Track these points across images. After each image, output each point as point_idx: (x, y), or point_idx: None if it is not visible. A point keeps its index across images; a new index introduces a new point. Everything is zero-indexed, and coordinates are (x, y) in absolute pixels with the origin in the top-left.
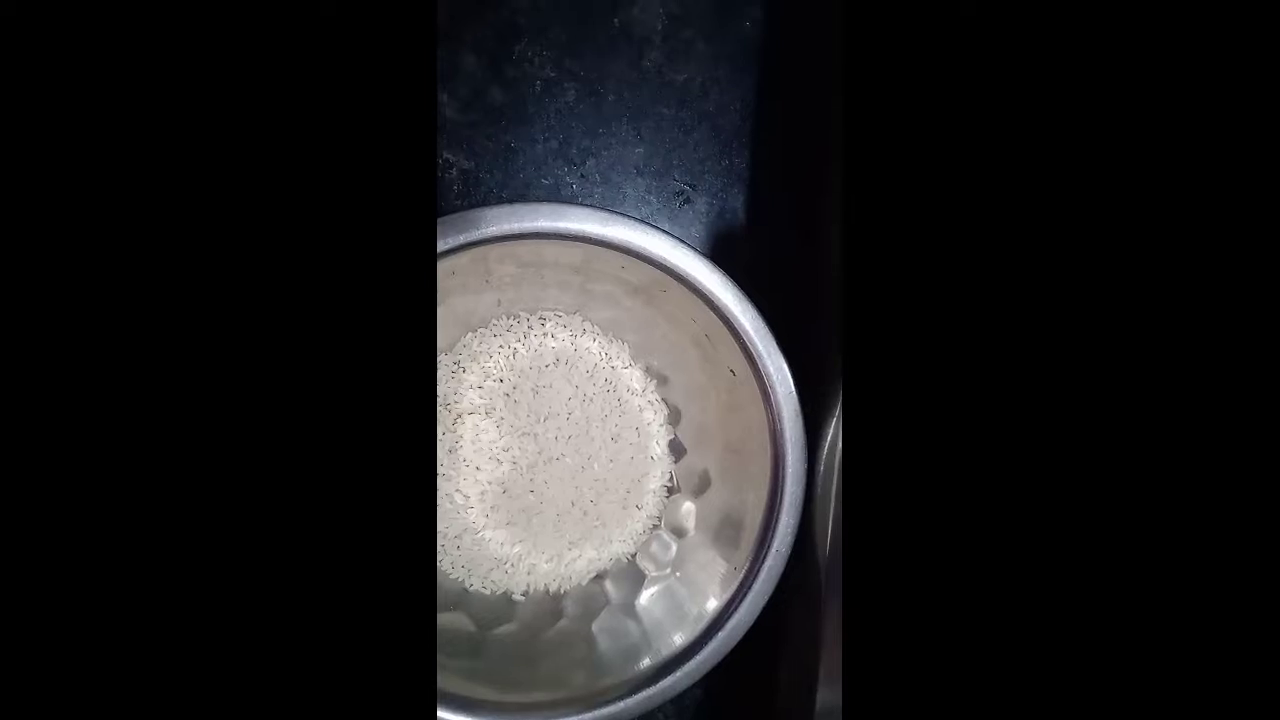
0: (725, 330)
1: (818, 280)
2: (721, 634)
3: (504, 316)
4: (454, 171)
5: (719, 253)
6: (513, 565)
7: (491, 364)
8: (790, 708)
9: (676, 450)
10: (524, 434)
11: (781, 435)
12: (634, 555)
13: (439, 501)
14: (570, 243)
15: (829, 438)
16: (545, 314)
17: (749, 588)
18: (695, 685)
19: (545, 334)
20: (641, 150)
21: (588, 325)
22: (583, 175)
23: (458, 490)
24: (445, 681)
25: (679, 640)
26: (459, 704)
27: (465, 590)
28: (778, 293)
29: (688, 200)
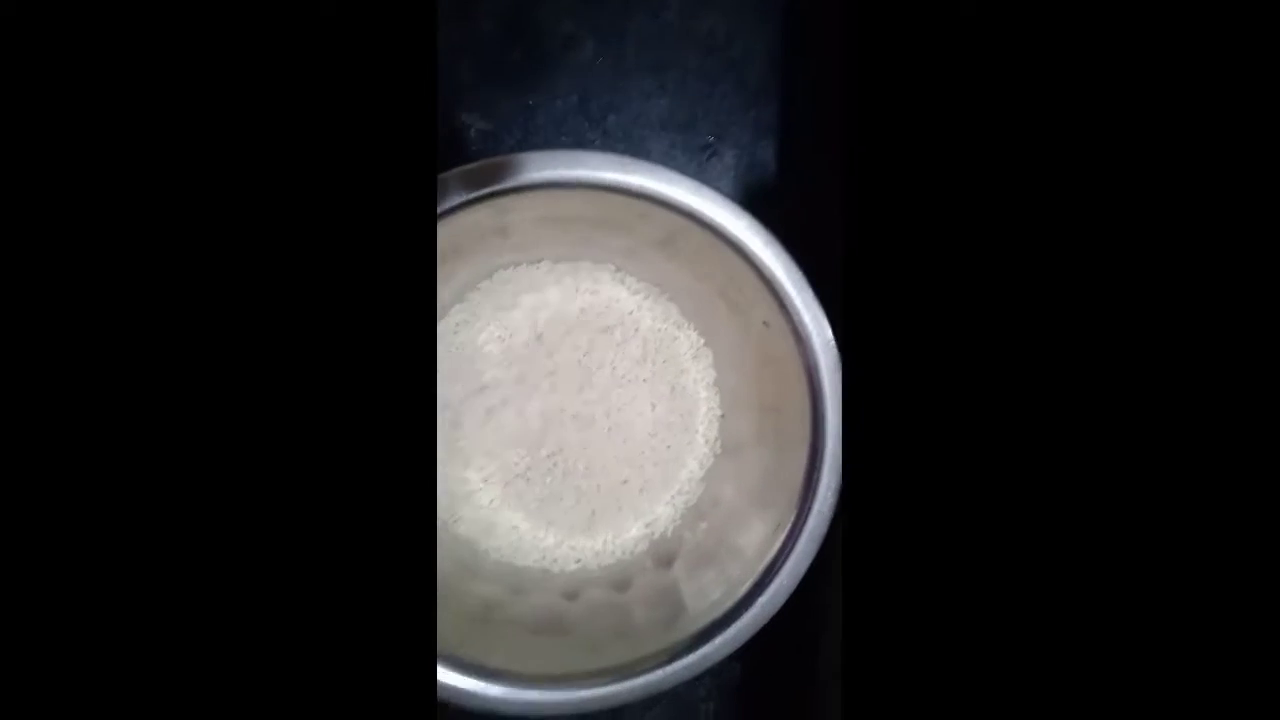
0: (756, 279)
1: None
2: (762, 599)
3: (525, 264)
4: (472, 132)
5: (750, 207)
6: (543, 537)
7: (514, 316)
8: (829, 687)
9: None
10: (555, 393)
11: (820, 389)
12: (676, 524)
13: (463, 474)
14: (587, 192)
15: None
16: (579, 263)
17: (790, 550)
18: (734, 659)
19: (580, 288)
20: (665, 103)
21: (626, 277)
22: (605, 131)
23: (488, 459)
24: (474, 651)
25: (721, 607)
26: (488, 674)
27: (496, 561)
28: (812, 248)
29: (715, 153)
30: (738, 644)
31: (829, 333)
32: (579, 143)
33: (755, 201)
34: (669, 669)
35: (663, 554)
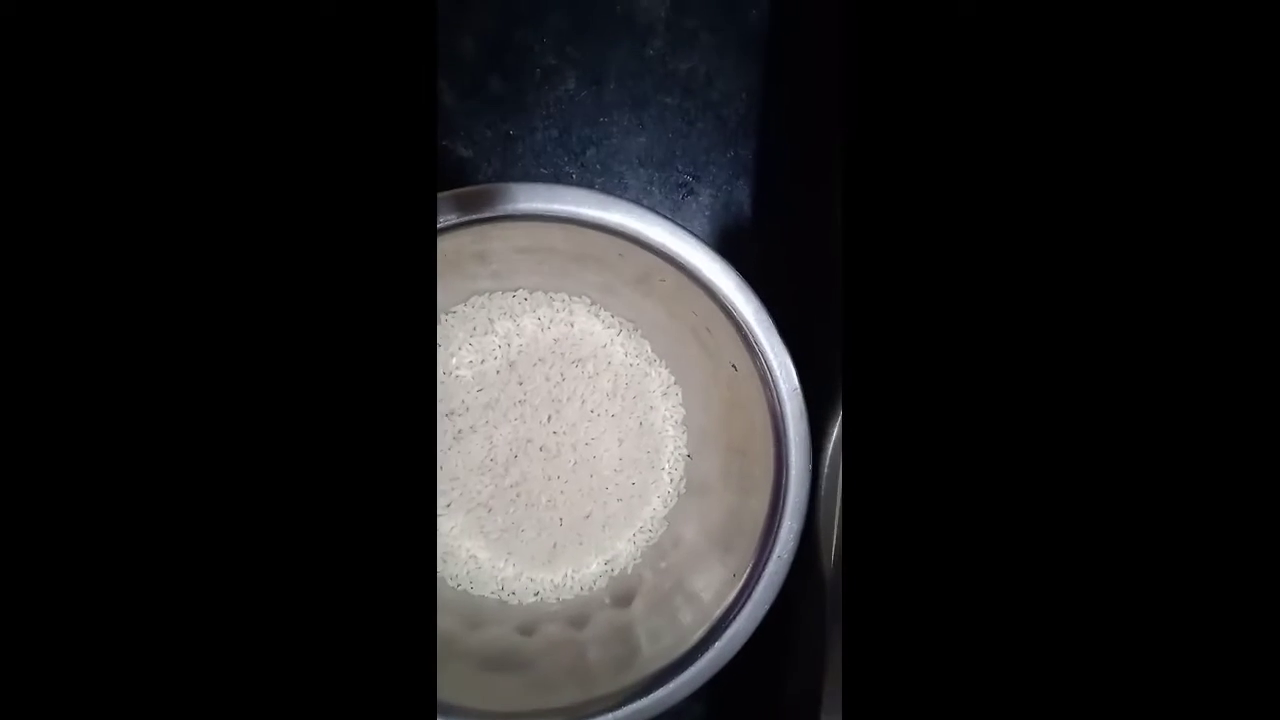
0: (726, 321)
1: (825, 276)
2: (719, 644)
3: (500, 292)
4: (452, 159)
5: (723, 247)
6: (502, 568)
7: (488, 341)
8: None
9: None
10: (523, 422)
11: (785, 434)
12: (636, 561)
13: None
14: (567, 227)
15: (834, 439)
16: (556, 294)
17: (749, 595)
18: (695, 700)
19: (555, 318)
20: (644, 140)
21: (601, 311)
22: (583, 164)
23: (452, 484)
24: None
25: (675, 651)
26: (441, 710)
27: (453, 589)
28: (784, 289)
29: (691, 192)
30: (694, 687)
31: (795, 379)
32: (557, 175)
33: (730, 241)
34: (622, 712)
35: (621, 592)
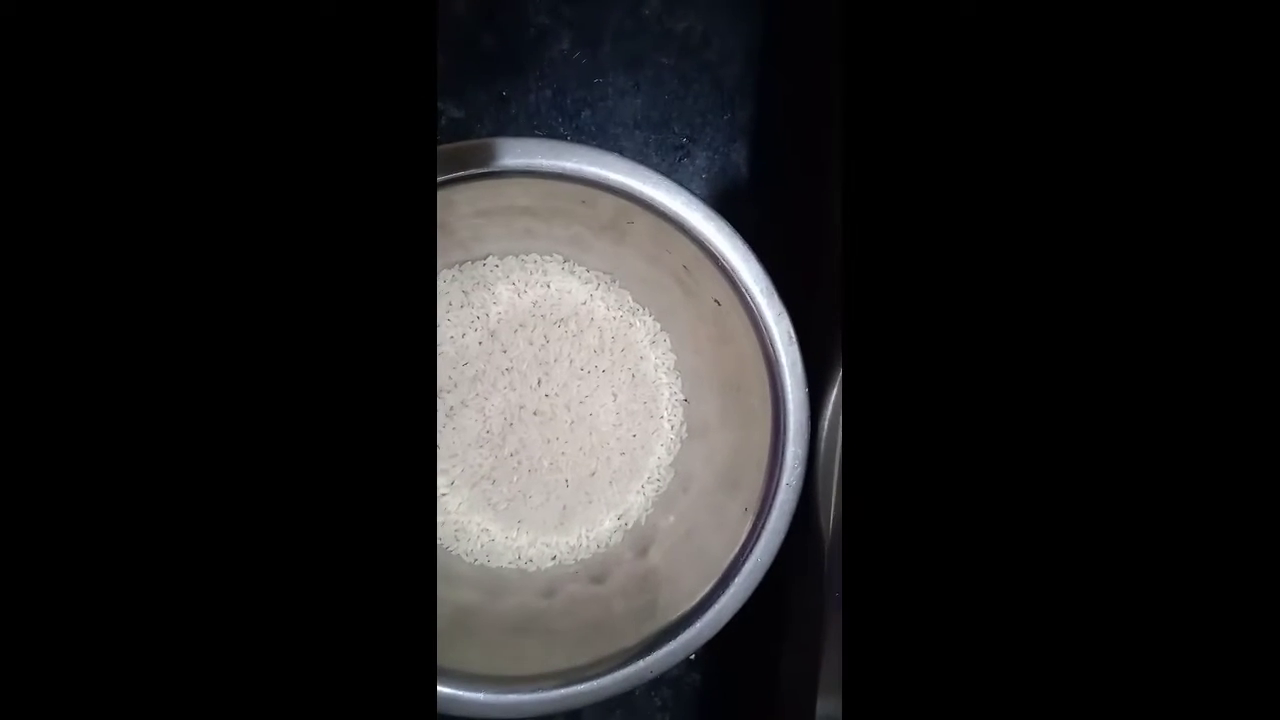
0: (702, 256)
1: (825, 240)
2: (739, 579)
3: (470, 262)
4: (444, 120)
5: (720, 211)
6: (515, 537)
7: (465, 314)
8: (791, 703)
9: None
10: (513, 390)
11: (777, 362)
12: (649, 512)
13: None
14: (525, 180)
15: (830, 408)
16: (526, 256)
17: (762, 527)
18: (692, 668)
19: (529, 281)
20: (639, 101)
21: (576, 267)
22: (577, 126)
23: (452, 462)
24: (453, 658)
25: (697, 593)
26: (469, 680)
27: (471, 565)
28: (783, 254)
29: (687, 154)
30: (717, 627)
31: (779, 304)
32: (552, 137)
33: (727, 205)
34: (654, 656)
35: (638, 544)
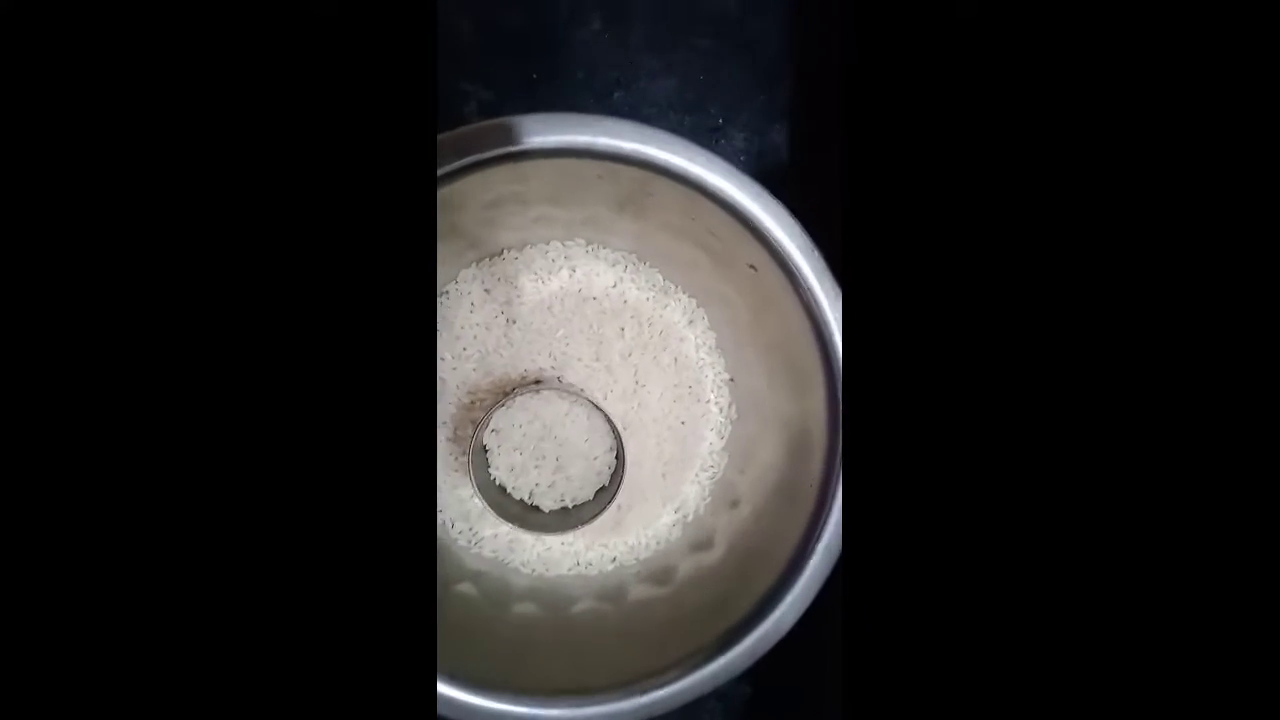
0: (729, 219)
1: None
2: (821, 546)
3: (487, 259)
4: (473, 104)
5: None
6: (571, 543)
7: (488, 311)
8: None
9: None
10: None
11: (824, 321)
12: (706, 501)
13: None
14: (539, 159)
15: None
16: (546, 245)
17: (832, 494)
18: (742, 681)
19: (552, 269)
20: (672, 82)
21: (600, 250)
22: (610, 108)
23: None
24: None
25: (769, 577)
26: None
27: (529, 576)
28: (825, 235)
29: (724, 135)
30: (805, 603)
31: (820, 260)
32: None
33: (767, 188)
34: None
35: (699, 538)
